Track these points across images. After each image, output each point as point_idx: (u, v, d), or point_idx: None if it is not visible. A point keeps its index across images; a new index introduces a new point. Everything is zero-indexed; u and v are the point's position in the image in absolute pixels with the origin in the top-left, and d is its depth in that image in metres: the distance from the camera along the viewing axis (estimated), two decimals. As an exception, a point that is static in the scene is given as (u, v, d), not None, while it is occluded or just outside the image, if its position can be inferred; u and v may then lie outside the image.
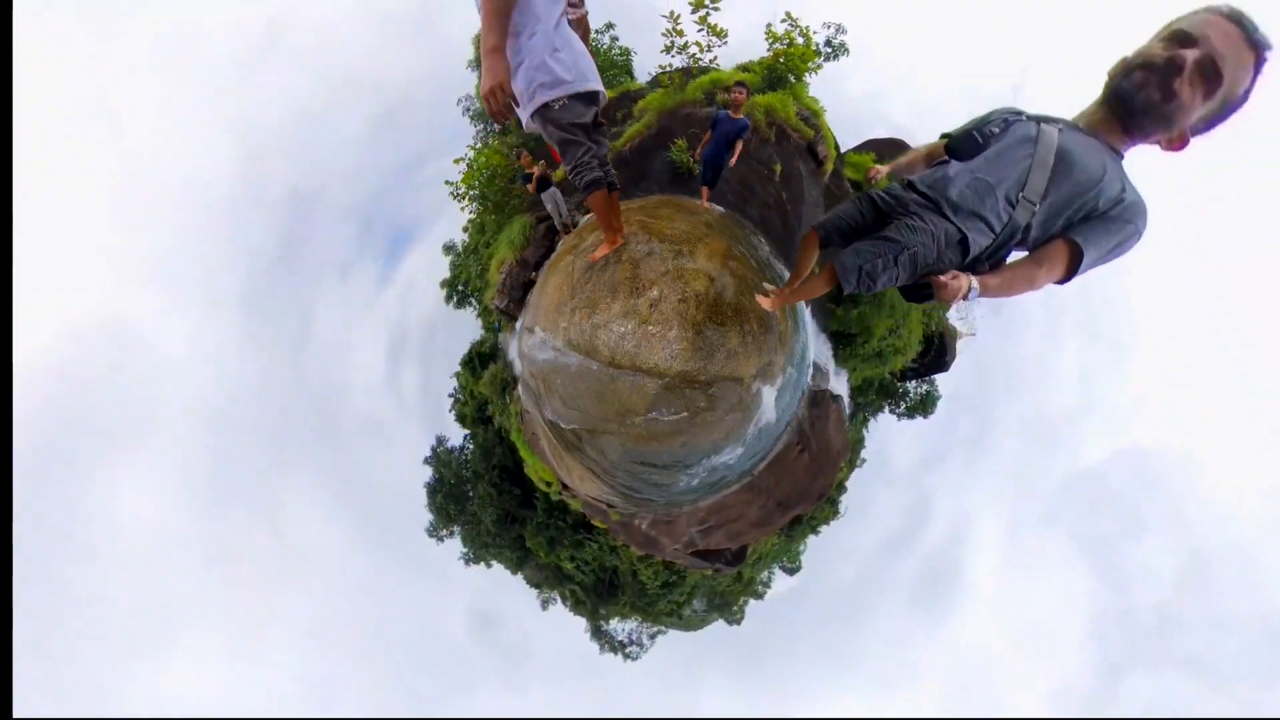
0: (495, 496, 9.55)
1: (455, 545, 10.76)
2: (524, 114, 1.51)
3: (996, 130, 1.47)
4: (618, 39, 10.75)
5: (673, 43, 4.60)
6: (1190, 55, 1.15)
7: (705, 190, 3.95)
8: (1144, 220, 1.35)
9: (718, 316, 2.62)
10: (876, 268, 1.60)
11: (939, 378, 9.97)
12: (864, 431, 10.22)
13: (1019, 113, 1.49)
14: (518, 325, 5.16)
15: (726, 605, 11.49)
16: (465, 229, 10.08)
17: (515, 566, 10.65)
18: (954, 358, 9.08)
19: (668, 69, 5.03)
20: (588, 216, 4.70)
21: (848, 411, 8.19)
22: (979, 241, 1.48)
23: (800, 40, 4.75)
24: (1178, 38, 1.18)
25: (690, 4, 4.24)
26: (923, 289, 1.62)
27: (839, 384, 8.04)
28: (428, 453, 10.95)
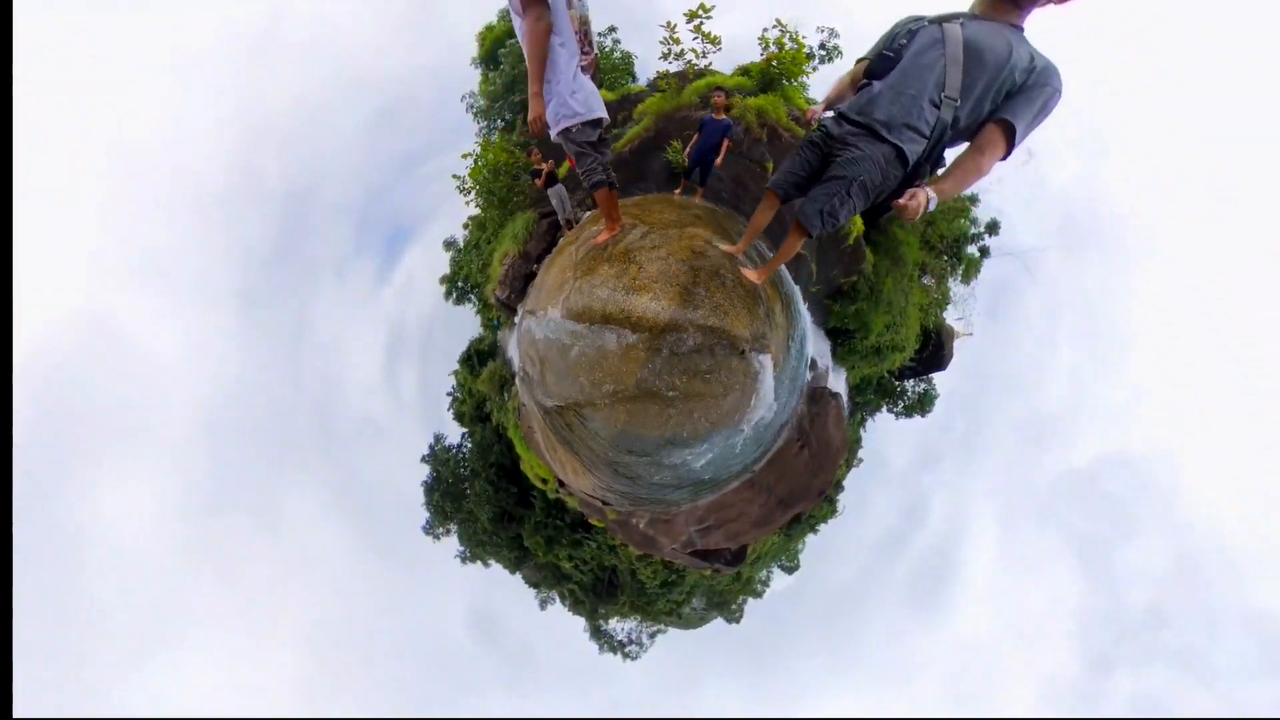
0: (492, 494, 9.49)
1: (453, 544, 10.68)
2: (552, 133, 2.19)
3: (905, 42, 1.58)
4: (620, 41, 10.84)
5: (669, 50, 4.83)
6: None
7: (699, 189, 4.19)
8: (1058, 78, 1.46)
9: (702, 277, 2.78)
10: (834, 206, 1.75)
11: (936, 377, 10.04)
12: (861, 431, 10.26)
13: (920, 18, 1.61)
14: (517, 316, 5.18)
15: (725, 604, 11.47)
16: (466, 225, 10.08)
17: (513, 565, 10.58)
18: (951, 357, 9.14)
19: (665, 74, 5.24)
20: (588, 214, 5.01)
21: (846, 410, 8.23)
22: (914, 150, 1.60)
23: (791, 46, 4.96)
24: None
25: (685, 14, 4.51)
26: (880, 208, 1.78)
27: (837, 382, 8.07)
28: (425, 451, 10.88)
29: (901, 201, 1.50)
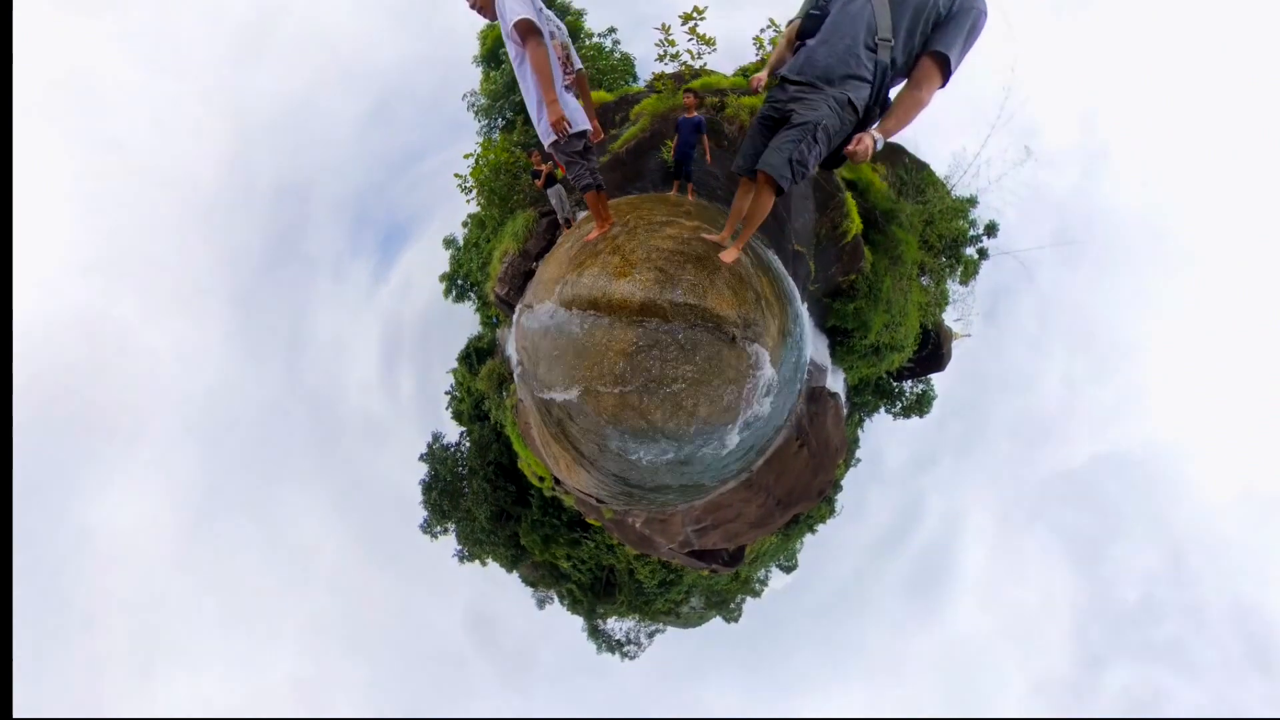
0: (490, 493, 9.48)
1: (451, 543, 10.65)
2: (545, 144, 2.54)
3: None
4: (619, 43, 10.87)
5: (665, 51, 4.93)
6: None
7: (690, 186, 4.32)
8: (982, 0, 1.53)
9: (683, 261, 2.81)
10: (803, 153, 1.74)
11: (934, 378, 10.04)
12: (859, 431, 10.26)
13: None
14: (515, 313, 5.21)
15: (724, 603, 11.44)
16: (465, 223, 10.09)
17: (510, 564, 10.55)
18: (950, 358, 9.15)
19: (662, 75, 5.33)
20: (584, 214, 5.01)
21: (845, 409, 8.23)
22: (862, 96, 1.66)
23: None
24: None
25: (680, 17, 4.61)
26: (835, 158, 1.82)
27: (836, 382, 8.07)
28: (423, 450, 10.86)
29: (850, 147, 1.58)
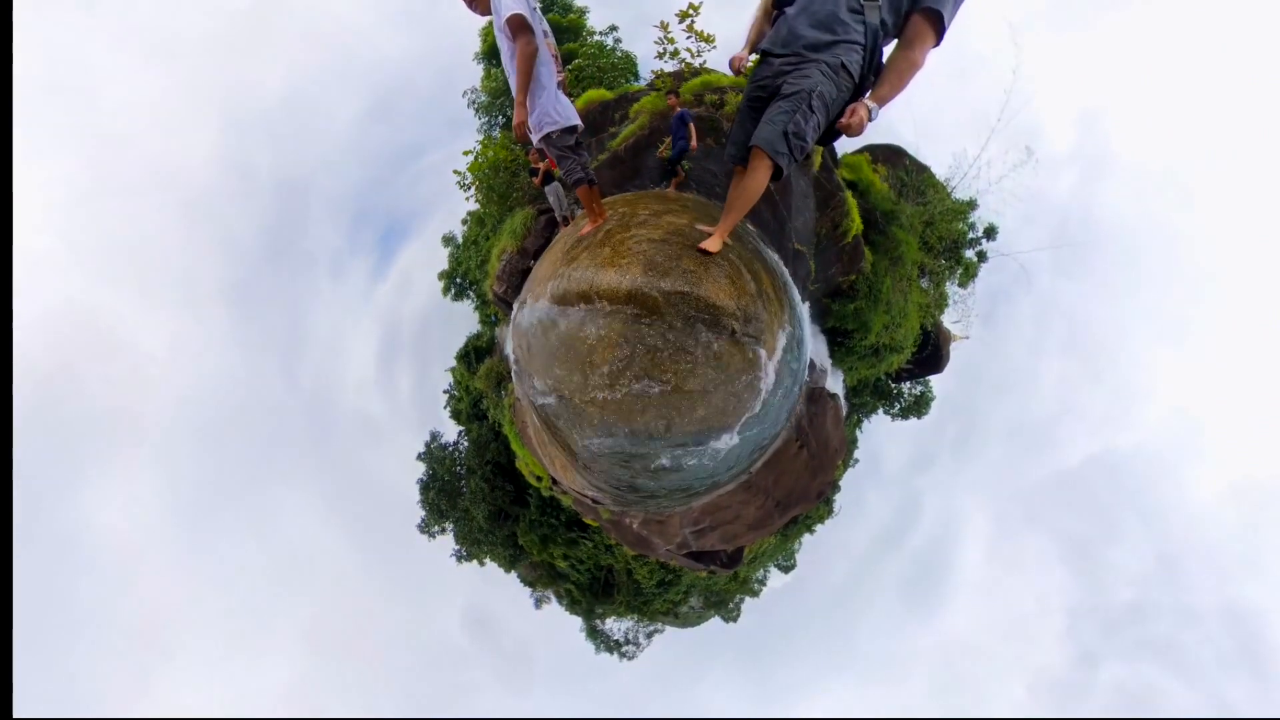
0: (488, 492, 9.45)
1: (448, 542, 10.61)
2: (534, 138, 2.56)
3: None
4: (620, 41, 10.83)
5: (664, 49, 4.90)
6: None
7: (676, 179, 4.44)
8: None
9: (675, 250, 2.70)
10: (799, 124, 1.57)
11: (932, 380, 10.05)
12: (857, 433, 10.27)
13: None
14: (513, 310, 5.19)
15: (722, 603, 11.43)
16: (465, 221, 10.05)
17: (508, 564, 10.52)
18: (948, 359, 9.15)
19: (661, 74, 5.32)
20: (582, 211, 4.99)
21: (844, 410, 8.23)
22: (855, 60, 1.53)
23: None
24: None
25: (677, 15, 4.59)
26: (830, 132, 1.69)
27: (835, 383, 8.07)
28: (421, 449, 10.81)
29: (844, 120, 1.48)
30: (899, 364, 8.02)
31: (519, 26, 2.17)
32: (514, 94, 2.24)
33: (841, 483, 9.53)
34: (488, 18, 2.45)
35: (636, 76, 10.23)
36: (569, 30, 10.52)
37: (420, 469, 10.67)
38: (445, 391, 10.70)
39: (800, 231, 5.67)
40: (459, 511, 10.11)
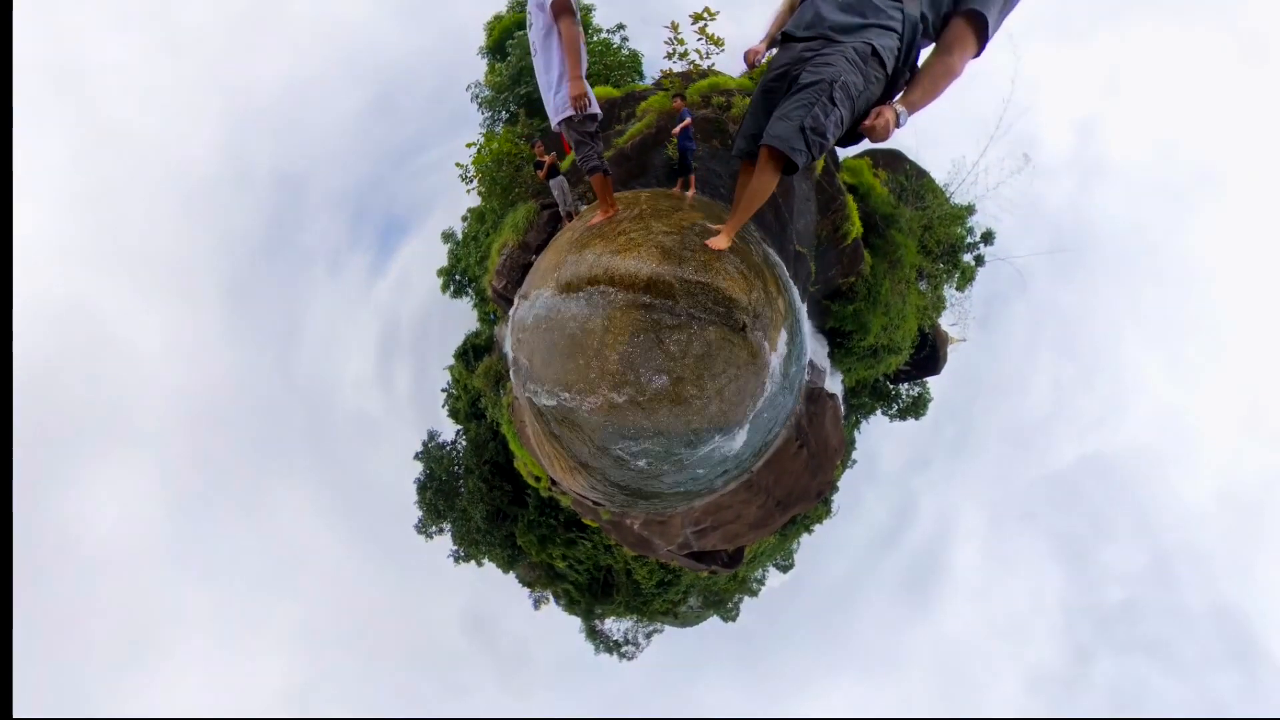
0: (485, 492, 9.36)
1: (445, 543, 10.49)
2: (555, 120, 2.55)
3: None
4: (627, 39, 10.85)
5: (674, 50, 4.96)
6: None
7: (690, 179, 4.44)
8: None
9: (690, 241, 2.70)
10: (818, 118, 1.36)
11: (930, 382, 10.17)
12: (856, 433, 10.35)
13: None
14: (513, 305, 5.10)
15: (721, 602, 11.45)
16: (465, 218, 9.97)
17: (506, 565, 10.44)
18: (946, 361, 9.27)
19: (670, 74, 5.34)
20: (586, 207, 5.01)
21: (843, 410, 8.30)
22: (887, 45, 1.34)
23: None
24: None
25: (690, 17, 4.66)
26: (852, 133, 1.47)
27: (834, 384, 8.13)
28: (418, 448, 10.69)
29: (868, 122, 1.29)
30: (897, 365, 8.11)
31: (564, 7, 2.23)
32: (569, 70, 2.32)
33: (840, 483, 9.60)
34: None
35: (641, 75, 10.26)
36: (575, 28, 10.50)
37: (417, 468, 10.56)
38: (443, 390, 10.60)
39: (801, 234, 5.72)
40: (456, 512, 10.01)
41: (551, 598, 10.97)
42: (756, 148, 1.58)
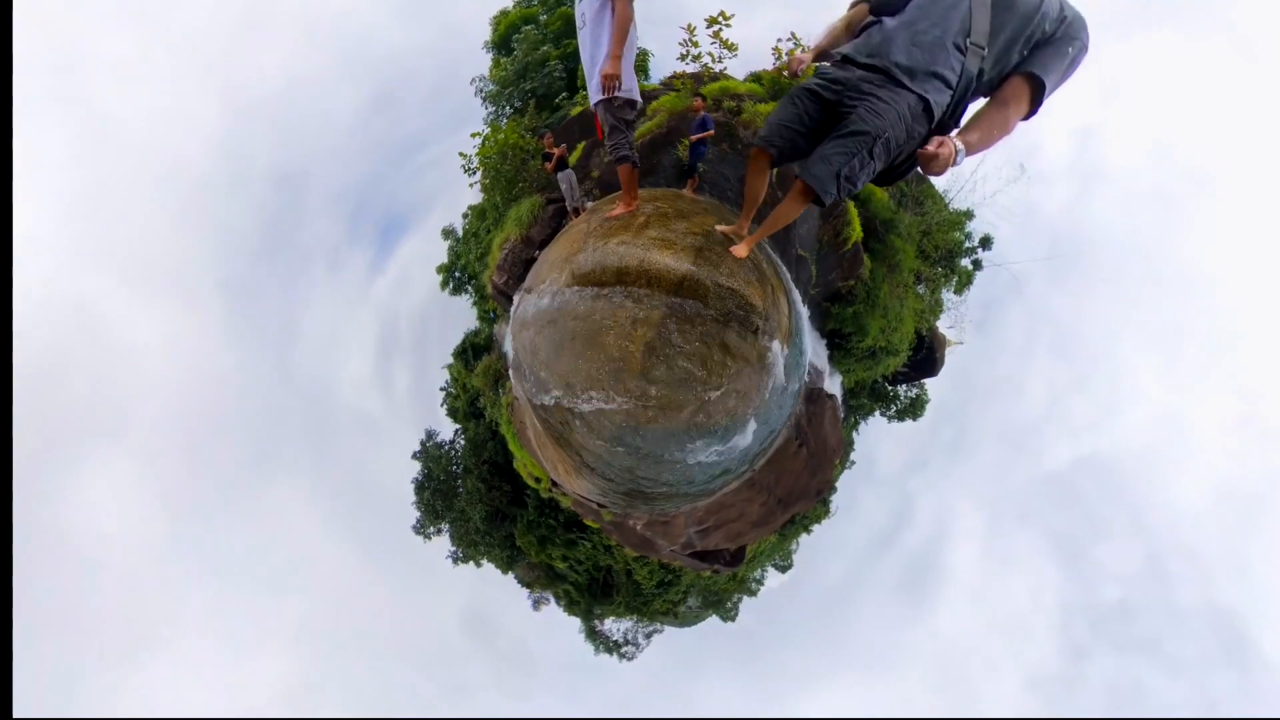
0: (484, 492, 9.27)
1: (444, 543, 10.35)
2: (595, 99, 2.49)
3: None
4: (637, 38, 10.81)
5: (687, 52, 5.02)
6: None
7: (694, 180, 4.53)
8: (1087, 32, 1.35)
9: (717, 246, 2.75)
10: (854, 169, 1.47)
11: (927, 383, 10.33)
12: (854, 434, 10.46)
13: None
14: (514, 303, 4.99)
15: (720, 602, 11.47)
16: (465, 214, 9.88)
17: (505, 565, 10.34)
18: (943, 363, 9.43)
19: (681, 75, 5.37)
20: (594, 203, 4.99)
21: (841, 411, 8.39)
22: (940, 102, 1.38)
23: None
24: None
25: (706, 20, 4.71)
26: (895, 169, 1.53)
27: (833, 384, 8.22)
28: (416, 448, 10.55)
29: (930, 149, 1.28)
30: (895, 367, 8.23)
31: None
32: (613, 49, 2.28)
33: (838, 484, 9.69)
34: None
35: (647, 75, 10.27)
36: (579, 24, 10.49)
37: (416, 468, 10.41)
38: (442, 389, 10.48)
39: (804, 238, 5.79)
40: (455, 512, 9.88)
41: (551, 598, 10.89)
42: (780, 142, 1.61)
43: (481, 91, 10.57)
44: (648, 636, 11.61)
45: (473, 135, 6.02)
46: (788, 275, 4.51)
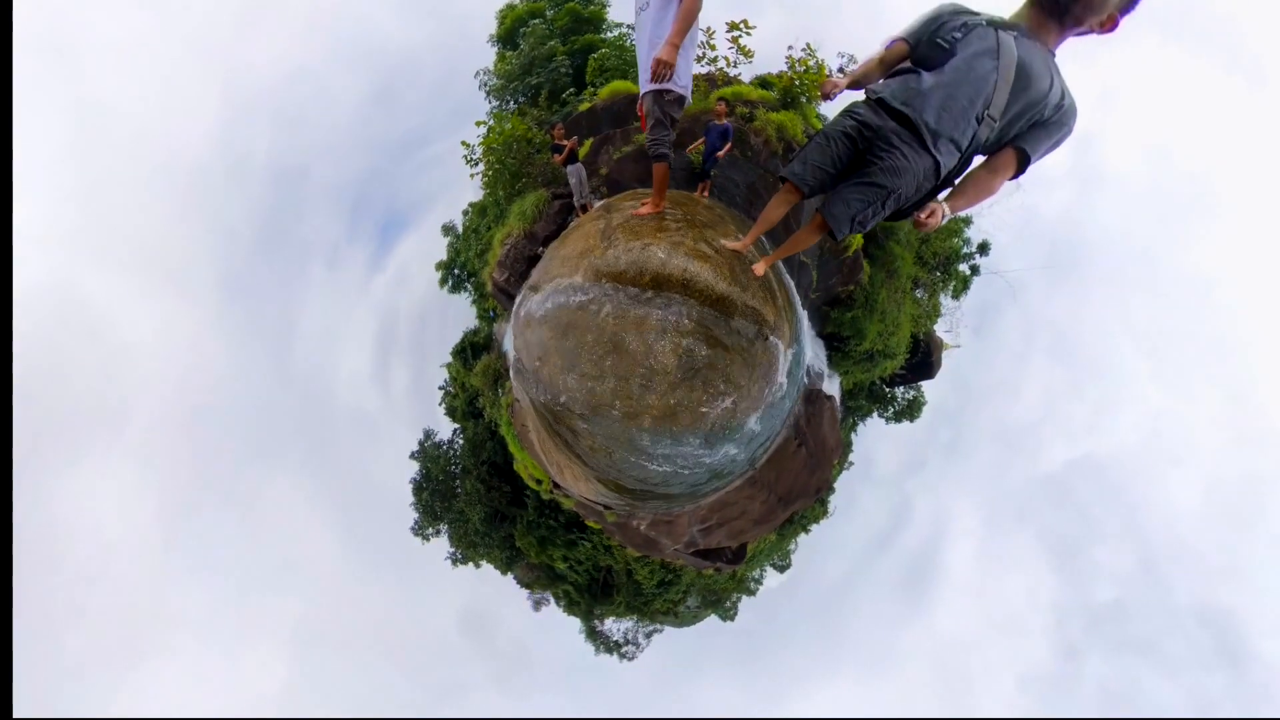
0: (483, 493, 9.19)
1: (443, 544, 10.23)
2: (645, 87, 2.42)
3: (959, 35, 1.53)
4: (699, 36, 10.75)
5: (703, 54, 5.08)
6: None
7: (708, 184, 4.55)
8: (1075, 120, 1.54)
9: (744, 263, 2.88)
10: (868, 216, 1.73)
11: (924, 386, 10.51)
12: (853, 435, 10.60)
13: (973, 14, 1.56)
14: (515, 302, 4.86)
15: (720, 602, 11.53)
16: (466, 211, 9.78)
17: (505, 566, 10.26)
18: (940, 366, 9.60)
19: (694, 77, 5.51)
20: (607, 200, 4.89)
21: (839, 411, 8.49)
22: (948, 165, 1.61)
23: (815, 68, 5.30)
24: None
25: (726, 25, 4.76)
26: (896, 214, 1.80)
27: (832, 386, 8.33)
28: (414, 447, 10.42)
29: (923, 218, 1.59)
30: (892, 369, 8.36)
31: None
32: (672, 38, 2.22)
33: (837, 484, 9.80)
34: None
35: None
36: (590, 21, 10.40)
37: (414, 467, 10.28)
38: (440, 388, 10.37)
39: (807, 241, 5.82)
40: (454, 513, 9.77)
41: (551, 599, 10.84)
42: (814, 183, 1.82)
43: (486, 85, 10.44)
44: (648, 636, 11.62)
45: (478, 124, 5.76)
46: (792, 285, 4.56)
